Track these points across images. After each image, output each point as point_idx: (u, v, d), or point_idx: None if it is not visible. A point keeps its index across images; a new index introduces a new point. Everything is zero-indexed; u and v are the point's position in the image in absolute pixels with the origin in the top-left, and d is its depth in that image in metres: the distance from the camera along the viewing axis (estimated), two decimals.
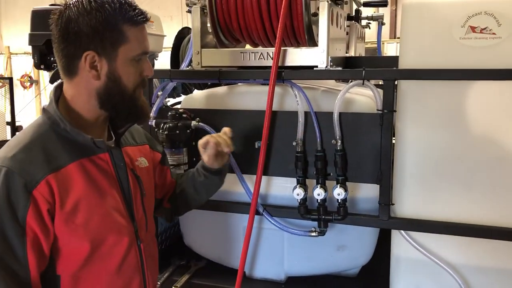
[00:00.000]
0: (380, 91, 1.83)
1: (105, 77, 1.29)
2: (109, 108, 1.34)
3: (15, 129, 9.54)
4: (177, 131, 1.96)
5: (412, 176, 1.82)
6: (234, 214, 2.10)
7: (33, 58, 2.38)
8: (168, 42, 2.73)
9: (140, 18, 1.31)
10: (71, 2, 1.28)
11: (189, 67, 2.12)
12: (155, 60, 2.64)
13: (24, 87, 11.63)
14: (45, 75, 11.24)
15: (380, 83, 1.88)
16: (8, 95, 9.69)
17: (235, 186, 2.04)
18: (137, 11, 1.31)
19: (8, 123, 9.48)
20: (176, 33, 2.57)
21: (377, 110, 1.81)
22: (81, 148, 1.31)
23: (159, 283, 2.12)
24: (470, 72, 1.69)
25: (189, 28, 2.38)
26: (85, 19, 1.25)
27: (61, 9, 1.29)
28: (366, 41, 3.12)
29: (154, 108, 2.07)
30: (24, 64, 11.61)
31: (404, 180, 1.83)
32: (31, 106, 11.62)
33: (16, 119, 9.71)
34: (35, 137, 1.27)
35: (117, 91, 1.31)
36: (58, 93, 1.35)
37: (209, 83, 2.57)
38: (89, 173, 1.30)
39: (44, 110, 1.34)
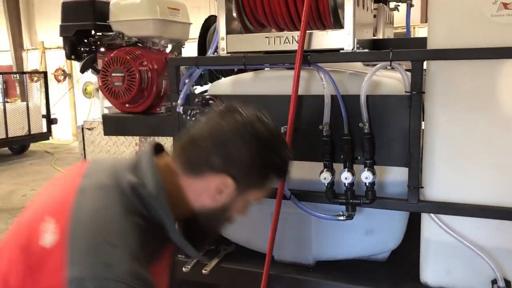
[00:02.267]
0: (409, 74, 1.80)
1: (219, 204, 1.20)
2: (193, 226, 1.21)
3: (50, 121, 9.87)
4: None
5: (441, 158, 1.79)
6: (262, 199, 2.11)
7: (64, 49, 2.45)
8: (196, 33, 2.76)
9: (286, 175, 1.29)
10: (249, 122, 1.19)
11: (215, 53, 2.14)
12: (182, 48, 2.67)
13: (58, 81, 11.96)
14: (77, 68, 11.52)
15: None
16: (43, 89, 10.03)
17: None
18: (288, 167, 1.28)
19: (43, 116, 9.82)
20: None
21: (405, 92, 1.78)
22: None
23: (189, 266, 2.16)
24: (502, 50, 1.63)
25: (215, 17, 2.39)
26: (253, 150, 1.16)
27: (233, 112, 1.20)
28: (395, 25, 3.06)
29: (181, 95, 2.09)
30: (57, 58, 11.93)
31: (433, 163, 1.80)
32: (65, 99, 11.96)
33: (51, 111, 10.06)
34: (138, 236, 1.03)
35: (216, 222, 1.23)
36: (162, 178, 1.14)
37: (236, 70, 2.59)
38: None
39: (140, 195, 1.08)
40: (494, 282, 1.78)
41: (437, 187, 1.81)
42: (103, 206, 1.05)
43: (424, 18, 8.86)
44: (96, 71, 2.44)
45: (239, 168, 1.15)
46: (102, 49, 2.45)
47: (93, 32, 2.51)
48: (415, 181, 1.80)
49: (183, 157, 1.19)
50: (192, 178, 1.16)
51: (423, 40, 1.88)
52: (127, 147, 2.35)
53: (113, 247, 0.99)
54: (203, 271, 2.13)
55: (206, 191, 1.16)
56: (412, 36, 4.98)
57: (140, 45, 2.39)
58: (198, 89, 2.52)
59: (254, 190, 1.22)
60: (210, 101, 2.04)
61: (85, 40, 2.46)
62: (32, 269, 1.01)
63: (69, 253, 0.98)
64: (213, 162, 1.15)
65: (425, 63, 1.77)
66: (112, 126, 2.36)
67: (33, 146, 10.43)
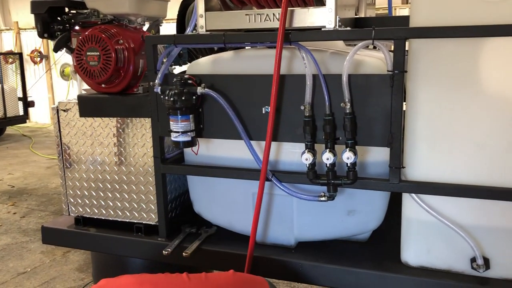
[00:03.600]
0: (392, 54, 1.77)
1: None
2: None
3: (27, 104, 9.63)
4: (183, 98, 1.93)
5: (423, 138, 1.78)
6: (243, 181, 2.08)
7: (36, 27, 2.34)
8: (175, 14, 2.68)
9: None
10: None
11: (194, 31, 2.07)
12: (159, 27, 2.59)
13: (35, 63, 11.63)
14: None
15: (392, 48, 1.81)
16: (18, 71, 9.76)
17: (243, 153, 2.02)
18: None
19: (20, 99, 9.57)
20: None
21: (388, 71, 1.75)
22: None
23: (170, 249, 2.13)
24: (486, 28, 1.61)
25: None
26: None
27: None
28: (377, 7, 3.03)
29: (159, 75, 2.03)
30: (33, 39, 11.60)
31: (415, 143, 1.79)
32: (42, 82, 11.66)
33: (28, 94, 9.81)
34: None
35: None
36: None
37: (216, 49, 2.53)
38: None
39: None
40: (473, 260, 1.80)
41: (418, 167, 1.81)
42: None
43: None
44: (70, 50, 2.35)
45: None
46: (77, 27, 2.35)
47: (66, 9, 2.41)
48: (397, 161, 1.79)
49: None
50: None
51: (406, 19, 1.85)
52: (103, 129, 2.29)
53: None
54: (184, 254, 2.11)
55: None
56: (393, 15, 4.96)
57: (116, 23, 2.30)
58: (177, 70, 2.46)
59: None
60: (189, 81, 1.99)
61: (58, 18, 2.36)
62: None
63: None
64: None
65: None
66: (88, 107, 2.28)
67: (9, 130, 10.20)
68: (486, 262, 1.78)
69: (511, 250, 1.76)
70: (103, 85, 2.26)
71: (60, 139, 2.42)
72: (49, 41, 2.49)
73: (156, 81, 2.03)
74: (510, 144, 1.67)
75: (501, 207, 1.72)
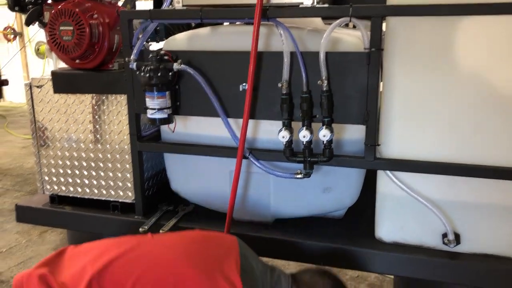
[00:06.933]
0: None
1: None
2: None
3: (0, 83, 9.36)
4: (159, 74, 1.90)
5: (398, 117, 1.80)
6: (220, 159, 2.08)
7: None
8: None
9: None
10: None
11: (170, 6, 2.03)
12: (135, 2, 2.53)
13: (8, 40, 11.28)
14: (29, 27, 10.86)
15: None
16: None
17: (221, 130, 2.01)
18: None
19: None
20: None
21: (364, 48, 1.76)
22: None
23: (146, 227, 2.13)
24: (461, 7, 1.63)
25: None
26: None
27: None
28: None
29: (134, 51, 2.00)
30: (6, 15, 11.22)
31: (390, 121, 1.81)
32: (16, 60, 11.33)
33: (1, 72, 9.54)
34: None
35: None
36: None
37: (193, 25, 2.49)
38: None
39: None
40: (444, 235, 1.84)
41: (393, 144, 1.83)
42: None
43: None
44: (42, 24, 2.28)
45: None
46: (49, 1, 2.28)
47: None
48: (372, 139, 1.81)
49: None
50: None
51: None
52: (78, 106, 2.25)
53: None
54: (160, 231, 2.11)
55: None
56: None
57: None
58: (154, 46, 2.42)
59: None
60: (165, 57, 1.96)
61: None
62: None
63: None
64: None
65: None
66: (62, 83, 2.23)
67: None
68: (457, 237, 1.83)
69: (480, 226, 1.81)
70: (77, 61, 2.21)
71: (34, 116, 2.37)
72: (23, 17, 2.41)
73: (132, 57, 1.99)
74: (478, 124, 1.71)
75: (470, 184, 1.77)
